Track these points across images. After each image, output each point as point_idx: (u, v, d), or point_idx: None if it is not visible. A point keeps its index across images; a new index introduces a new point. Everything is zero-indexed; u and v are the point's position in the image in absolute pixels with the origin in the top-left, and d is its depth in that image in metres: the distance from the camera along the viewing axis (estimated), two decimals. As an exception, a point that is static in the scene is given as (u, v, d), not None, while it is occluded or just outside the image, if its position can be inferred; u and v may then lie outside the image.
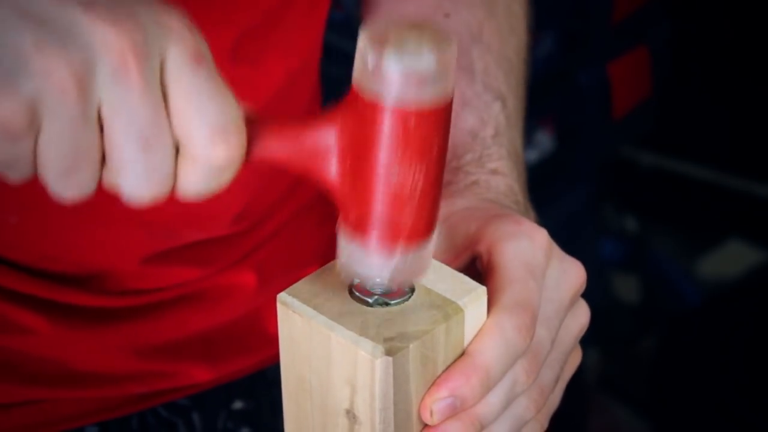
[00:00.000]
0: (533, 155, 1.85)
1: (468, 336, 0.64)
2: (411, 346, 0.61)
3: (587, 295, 0.81)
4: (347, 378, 0.62)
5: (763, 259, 2.21)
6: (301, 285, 0.64)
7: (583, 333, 0.71)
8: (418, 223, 0.60)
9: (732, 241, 2.27)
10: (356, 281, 0.63)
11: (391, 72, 0.56)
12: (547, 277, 0.67)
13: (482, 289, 0.64)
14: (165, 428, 0.92)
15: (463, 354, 0.64)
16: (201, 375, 0.92)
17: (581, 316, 0.70)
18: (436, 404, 0.63)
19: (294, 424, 0.67)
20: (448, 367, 0.63)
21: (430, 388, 0.63)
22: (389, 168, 0.58)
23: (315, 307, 0.62)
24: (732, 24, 2.24)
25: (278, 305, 0.64)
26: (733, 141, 2.29)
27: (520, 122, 0.87)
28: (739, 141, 2.28)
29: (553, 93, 1.84)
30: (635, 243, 2.24)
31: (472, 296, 0.63)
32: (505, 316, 0.64)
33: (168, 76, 0.56)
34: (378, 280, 0.61)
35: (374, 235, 0.60)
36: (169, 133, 0.57)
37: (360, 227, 0.61)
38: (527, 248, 0.67)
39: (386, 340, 0.60)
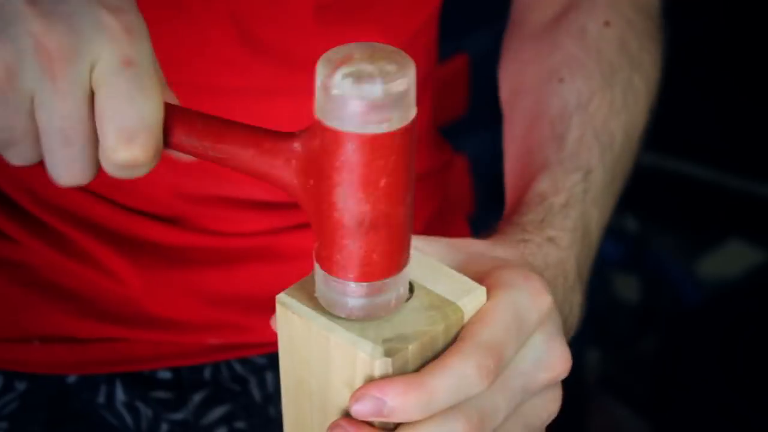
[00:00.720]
0: (533, 155, 1.85)
1: (467, 337, 0.63)
2: (410, 347, 0.60)
3: (587, 295, 0.80)
4: (346, 379, 0.61)
5: (763, 259, 2.20)
6: (301, 285, 0.63)
7: (551, 420, 0.66)
8: (370, 257, 0.59)
9: (732, 241, 2.26)
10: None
11: (336, 94, 0.55)
12: (530, 347, 0.64)
13: (482, 290, 0.63)
14: (237, 383, 0.95)
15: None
16: (274, 335, 0.93)
17: (553, 402, 0.66)
18: (362, 400, 0.60)
19: (293, 426, 0.67)
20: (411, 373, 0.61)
21: (369, 382, 0.60)
22: (335, 193, 0.57)
23: (314, 308, 0.62)
24: (732, 24, 2.24)
25: (277, 306, 0.63)
26: (733, 141, 2.28)
27: (606, 199, 0.85)
28: (739, 141, 2.28)
29: (553, 93, 1.84)
30: (635, 243, 2.24)
31: (471, 297, 0.63)
32: (472, 349, 0.61)
33: (96, 78, 0.59)
34: (346, 308, 0.60)
35: (331, 262, 0.59)
36: (91, 131, 0.60)
37: (320, 252, 0.60)
38: (525, 302, 0.64)
39: (385, 341, 0.60)
